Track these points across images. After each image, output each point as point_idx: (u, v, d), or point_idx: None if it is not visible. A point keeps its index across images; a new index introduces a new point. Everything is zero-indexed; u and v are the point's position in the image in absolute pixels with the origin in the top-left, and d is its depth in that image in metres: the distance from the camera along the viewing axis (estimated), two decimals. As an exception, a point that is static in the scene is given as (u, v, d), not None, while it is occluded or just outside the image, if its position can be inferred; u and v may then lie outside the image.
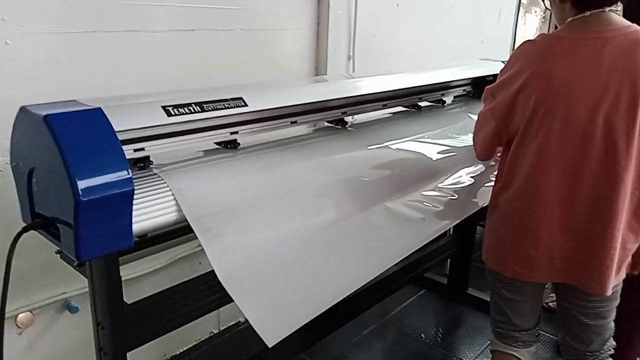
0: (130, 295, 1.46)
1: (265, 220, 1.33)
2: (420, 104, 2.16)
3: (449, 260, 2.86)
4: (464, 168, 1.88)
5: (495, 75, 1.53)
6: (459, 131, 2.03)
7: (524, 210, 1.46)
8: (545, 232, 1.43)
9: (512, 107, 1.41)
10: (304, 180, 1.50)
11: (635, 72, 1.29)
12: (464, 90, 2.36)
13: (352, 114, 1.84)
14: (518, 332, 1.66)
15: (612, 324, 1.62)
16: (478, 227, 2.76)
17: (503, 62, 1.49)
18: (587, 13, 1.35)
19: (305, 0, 2.29)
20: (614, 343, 1.65)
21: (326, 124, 1.82)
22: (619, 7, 1.39)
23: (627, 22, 1.35)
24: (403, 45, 2.83)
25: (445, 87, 2.22)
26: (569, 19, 1.39)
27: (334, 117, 1.79)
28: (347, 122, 1.83)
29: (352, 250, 1.46)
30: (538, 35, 1.44)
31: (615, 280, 1.46)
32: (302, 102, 1.59)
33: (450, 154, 1.91)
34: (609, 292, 1.45)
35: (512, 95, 1.40)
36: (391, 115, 2.09)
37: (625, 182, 1.35)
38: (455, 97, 2.36)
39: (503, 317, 1.66)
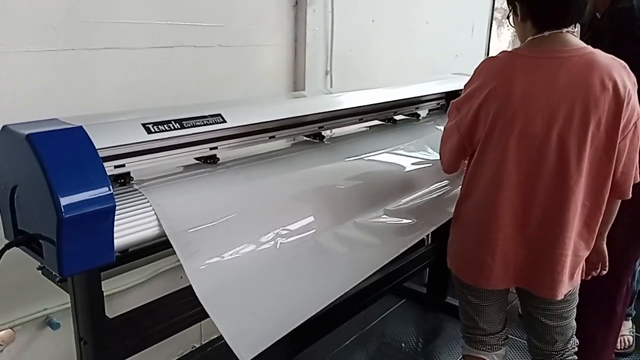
0: (117, 310, 1.48)
1: (242, 236, 1.35)
2: (395, 117, 2.21)
3: (427, 269, 2.89)
4: (434, 179, 1.93)
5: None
6: (431, 143, 2.08)
7: (482, 221, 1.52)
8: (502, 241, 1.49)
9: (475, 120, 1.47)
10: (281, 194, 1.53)
11: (587, 92, 1.36)
12: (438, 103, 2.41)
13: (329, 128, 1.89)
14: (486, 336, 1.71)
15: (574, 323, 1.69)
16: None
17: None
18: (546, 33, 1.42)
19: (282, 17, 2.33)
20: (577, 341, 1.72)
21: (304, 138, 1.86)
22: (576, 28, 1.46)
23: (583, 44, 1.43)
24: (379, 59, 2.89)
25: (419, 101, 2.27)
26: (529, 38, 1.45)
27: (312, 131, 1.83)
28: (324, 136, 1.87)
29: (328, 263, 1.48)
30: (500, 52, 1.50)
31: (568, 286, 1.53)
32: (280, 118, 1.62)
33: (423, 166, 1.96)
34: (560, 297, 1.52)
35: (475, 109, 1.46)
36: (367, 128, 2.13)
37: (576, 195, 1.42)
38: (430, 110, 2.42)
39: (471, 322, 1.72)
